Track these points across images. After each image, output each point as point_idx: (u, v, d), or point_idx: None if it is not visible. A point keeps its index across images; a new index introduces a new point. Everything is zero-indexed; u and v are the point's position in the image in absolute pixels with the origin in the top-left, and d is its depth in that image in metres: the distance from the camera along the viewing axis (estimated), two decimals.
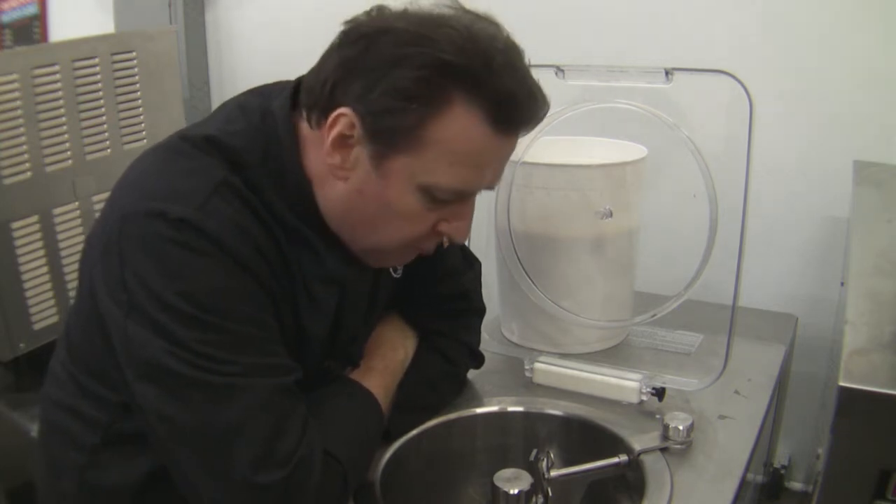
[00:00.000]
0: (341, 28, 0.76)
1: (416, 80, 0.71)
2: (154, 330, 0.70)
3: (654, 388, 1.06)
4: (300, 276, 0.81)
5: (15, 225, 1.24)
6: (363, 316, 0.94)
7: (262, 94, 0.84)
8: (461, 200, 0.81)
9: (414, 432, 0.99)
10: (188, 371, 0.70)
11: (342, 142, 0.76)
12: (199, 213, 0.72)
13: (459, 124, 0.73)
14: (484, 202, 1.18)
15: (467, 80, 0.72)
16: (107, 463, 0.82)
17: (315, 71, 0.78)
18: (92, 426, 0.81)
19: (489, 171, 0.79)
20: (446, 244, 1.02)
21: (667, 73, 1.01)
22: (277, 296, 0.78)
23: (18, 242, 1.24)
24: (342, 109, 0.74)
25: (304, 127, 0.80)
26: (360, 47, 0.73)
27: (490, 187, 0.83)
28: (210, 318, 0.71)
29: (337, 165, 0.77)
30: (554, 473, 0.89)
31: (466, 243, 1.13)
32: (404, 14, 0.74)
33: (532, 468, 0.88)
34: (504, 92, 0.73)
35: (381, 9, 0.76)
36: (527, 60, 0.77)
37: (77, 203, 1.33)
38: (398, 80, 0.71)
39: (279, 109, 0.80)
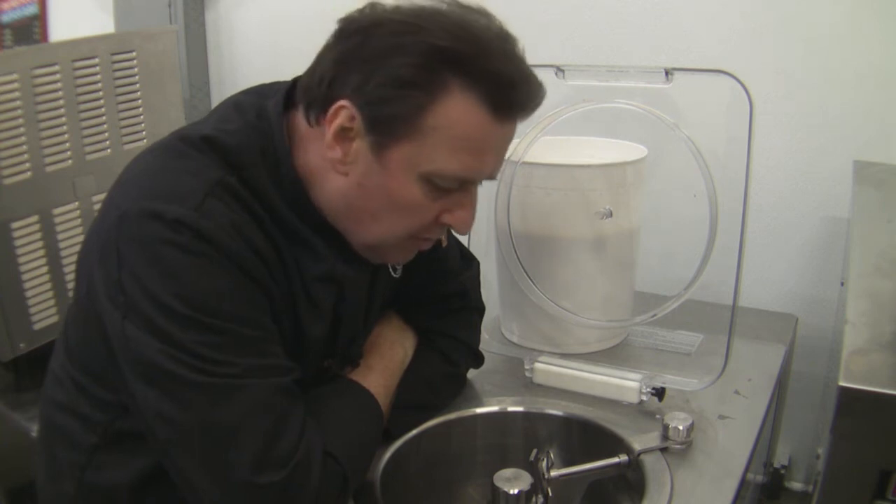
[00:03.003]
0: (336, 25, 0.77)
1: (412, 68, 0.72)
2: (151, 331, 0.70)
3: (654, 388, 1.06)
4: (298, 276, 0.81)
5: (15, 225, 1.24)
6: (362, 316, 0.94)
7: (258, 94, 0.84)
8: (463, 189, 0.80)
9: (414, 432, 0.99)
10: (186, 372, 0.70)
11: (343, 135, 0.76)
12: (196, 214, 0.72)
13: (458, 110, 0.73)
14: (484, 202, 1.18)
15: (463, 65, 0.72)
16: (106, 463, 0.82)
17: (311, 69, 0.79)
18: (91, 426, 0.81)
19: (490, 157, 0.79)
20: (445, 243, 1.02)
21: (667, 73, 1.01)
22: (276, 296, 0.78)
23: (18, 242, 1.24)
24: (342, 102, 0.75)
25: (301, 125, 0.80)
26: (356, 41, 0.74)
27: (492, 176, 0.83)
28: (207, 320, 0.71)
29: (338, 160, 0.77)
30: (554, 473, 0.89)
31: (466, 242, 1.13)
32: (397, 8, 0.75)
33: (532, 468, 0.88)
34: (500, 75, 0.74)
35: (373, 5, 0.77)
36: (521, 47, 0.77)
37: (77, 203, 1.32)
38: (395, 68, 0.72)
39: (273, 108, 0.80)
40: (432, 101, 0.73)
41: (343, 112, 0.75)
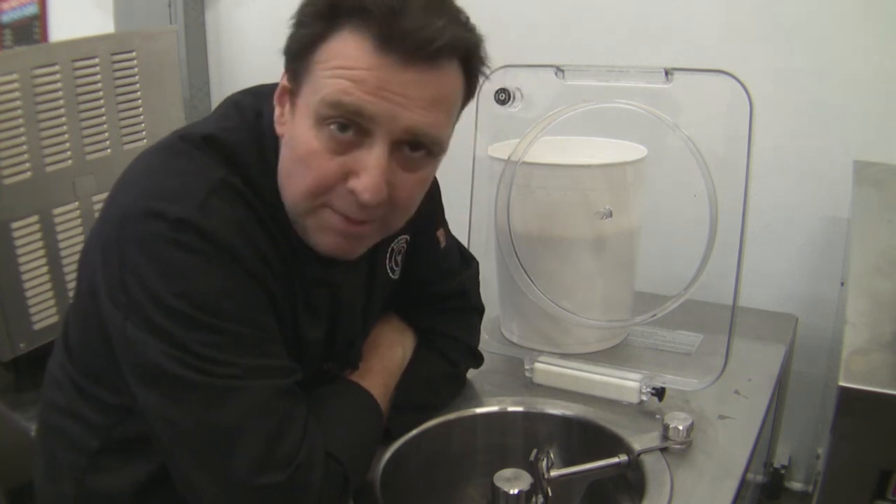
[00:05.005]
0: None
1: (311, 9, 0.75)
2: (154, 332, 0.70)
3: (654, 388, 1.06)
4: (297, 277, 0.81)
5: (15, 225, 1.24)
6: (360, 317, 0.94)
7: (257, 94, 0.84)
8: (365, 146, 0.73)
9: (414, 432, 0.99)
10: (188, 373, 0.70)
11: (283, 96, 0.78)
12: (199, 213, 0.72)
13: (341, 42, 0.73)
14: (484, 202, 1.18)
15: (355, 4, 0.72)
16: (106, 466, 0.82)
17: None
18: (91, 430, 0.81)
19: (379, 99, 0.71)
20: (444, 244, 1.02)
21: (667, 73, 1.01)
22: (277, 296, 0.78)
23: (18, 242, 1.24)
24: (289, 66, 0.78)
25: (278, 131, 0.80)
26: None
27: (409, 132, 0.74)
28: (210, 320, 0.71)
29: (277, 119, 0.79)
30: (554, 473, 0.89)
31: (466, 243, 1.13)
32: None
33: (532, 468, 0.88)
34: (390, 13, 0.70)
35: None
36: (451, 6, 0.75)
37: (77, 203, 1.32)
38: (301, 16, 0.76)
39: (270, 111, 0.81)
40: (323, 37, 0.74)
41: (286, 75, 0.78)
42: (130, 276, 0.71)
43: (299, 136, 0.75)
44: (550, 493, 0.88)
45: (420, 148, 0.76)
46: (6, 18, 2.08)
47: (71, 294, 1.28)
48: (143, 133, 1.42)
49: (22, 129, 1.22)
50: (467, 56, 0.76)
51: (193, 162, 0.77)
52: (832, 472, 0.78)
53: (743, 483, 0.91)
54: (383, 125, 0.72)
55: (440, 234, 1.03)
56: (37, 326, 1.28)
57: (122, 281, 0.71)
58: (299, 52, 0.75)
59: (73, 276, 0.86)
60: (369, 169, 0.73)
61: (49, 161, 1.27)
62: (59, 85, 1.26)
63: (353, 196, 0.74)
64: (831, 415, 0.75)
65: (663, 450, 0.95)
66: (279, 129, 0.79)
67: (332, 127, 0.73)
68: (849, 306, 0.88)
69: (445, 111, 0.76)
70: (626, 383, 1.07)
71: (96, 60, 1.32)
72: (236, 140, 0.79)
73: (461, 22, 0.75)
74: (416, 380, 0.99)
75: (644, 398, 1.06)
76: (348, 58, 0.72)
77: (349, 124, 0.73)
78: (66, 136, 1.29)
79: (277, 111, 0.79)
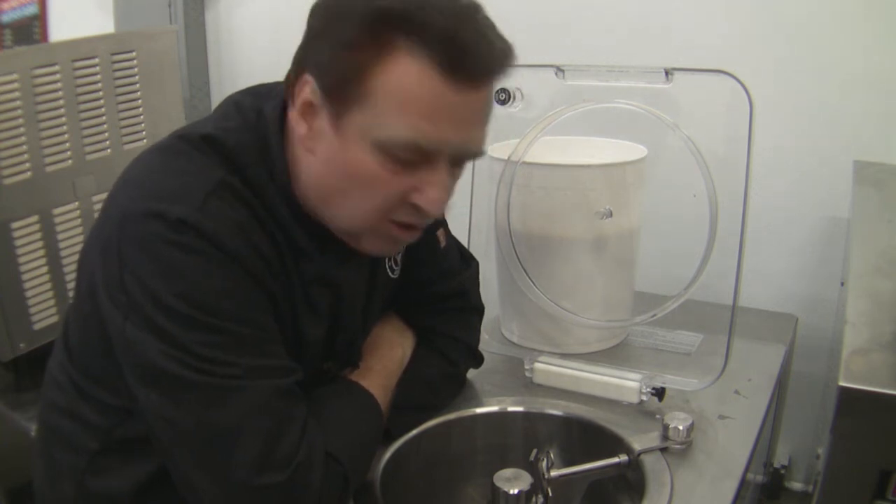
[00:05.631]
0: None
1: (356, 28, 0.71)
2: (153, 332, 0.70)
3: (654, 388, 1.06)
4: (297, 277, 0.81)
5: (15, 225, 1.24)
6: (361, 317, 0.94)
7: (258, 94, 0.84)
8: (429, 165, 0.75)
9: (414, 432, 0.99)
10: (188, 373, 0.70)
11: (308, 110, 0.76)
12: (198, 214, 0.71)
13: (403, 69, 0.71)
14: (484, 202, 1.18)
15: (406, 23, 0.70)
16: (106, 468, 0.82)
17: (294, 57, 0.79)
18: (91, 430, 0.81)
19: (448, 124, 0.74)
20: (444, 243, 1.02)
21: (667, 73, 1.01)
22: (277, 297, 0.78)
23: (18, 242, 1.24)
24: (305, 76, 0.75)
25: (303, 146, 0.80)
26: (317, 16, 0.76)
27: (466, 153, 0.78)
28: (210, 320, 0.71)
29: (305, 135, 0.77)
30: (554, 473, 0.89)
31: (466, 243, 1.13)
32: None
33: (532, 468, 0.88)
34: (446, 32, 0.70)
35: None
36: (482, 12, 0.74)
37: (77, 203, 1.32)
38: (342, 33, 0.72)
39: (272, 111, 0.80)
40: (377, 61, 0.71)
41: (306, 87, 0.75)
42: (130, 276, 0.71)
43: (356, 160, 0.74)
44: (550, 493, 0.89)
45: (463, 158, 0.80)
46: (6, 18, 2.08)
47: (71, 294, 1.28)
48: (143, 133, 1.42)
49: (22, 129, 1.22)
50: (507, 71, 0.78)
51: (193, 162, 0.77)
52: (832, 472, 0.78)
53: (743, 483, 0.91)
54: (451, 148, 0.76)
55: (440, 233, 1.03)
56: (37, 326, 1.28)
57: (121, 281, 0.71)
58: (348, 78, 0.72)
59: (73, 276, 0.87)
60: (436, 186, 0.76)
61: (49, 161, 1.27)
62: (59, 85, 1.26)
63: (416, 209, 0.77)
64: (831, 415, 0.75)
65: (663, 450, 0.95)
66: (308, 145, 0.77)
67: (399, 153, 0.74)
68: (849, 306, 0.88)
69: (489, 121, 0.80)
70: (626, 383, 1.07)
71: (96, 60, 1.32)
72: (236, 140, 0.79)
73: (501, 39, 0.75)
74: (416, 380, 0.99)
75: (644, 398, 1.06)
76: (415, 90, 0.71)
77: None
78: (66, 136, 1.29)
79: (303, 128, 0.77)
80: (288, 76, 0.79)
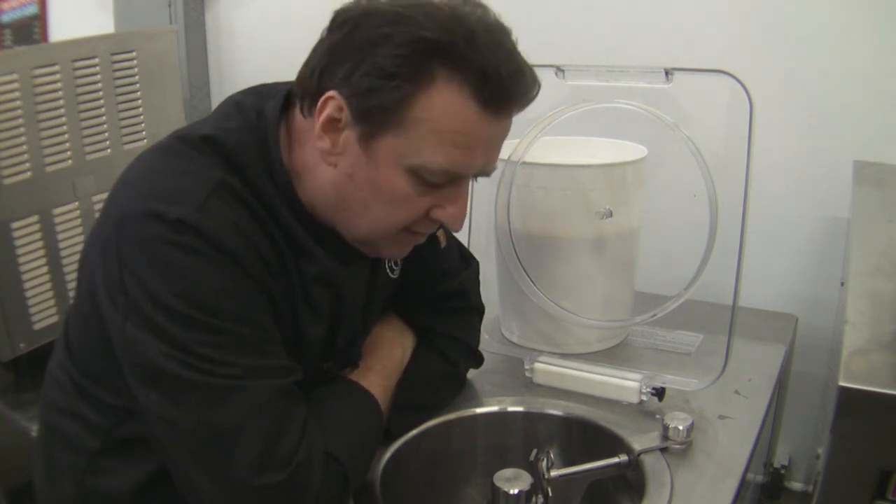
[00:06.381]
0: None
1: (397, 58, 0.71)
2: (153, 332, 0.70)
3: (654, 388, 1.06)
4: (297, 277, 0.81)
5: (15, 225, 1.24)
6: (361, 316, 0.94)
7: (258, 94, 0.84)
8: (453, 184, 0.79)
9: (414, 432, 0.99)
10: (187, 373, 0.70)
11: (331, 125, 0.76)
12: (198, 215, 0.71)
13: (444, 101, 0.72)
14: (484, 202, 1.18)
15: (448, 56, 0.71)
16: (106, 468, 0.82)
17: (306, 61, 0.79)
18: (91, 430, 0.81)
19: (480, 152, 0.77)
20: (444, 243, 1.02)
21: (667, 73, 1.01)
22: (276, 297, 0.78)
23: (18, 242, 1.24)
24: (330, 93, 0.75)
25: (299, 122, 0.80)
26: (345, 31, 0.74)
27: (485, 173, 0.82)
28: (209, 320, 0.71)
29: (327, 150, 0.77)
30: (554, 473, 0.89)
31: (466, 242, 1.13)
32: None
33: (532, 468, 0.88)
34: (488, 67, 0.72)
35: None
36: (514, 39, 0.76)
37: (77, 203, 1.32)
38: (380, 58, 0.72)
39: (272, 108, 0.80)
40: (417, 92, 0.72)
41: (331, 102, 0.75)
42: (130, 276, 0.71)
43: (383, 180, 0.76)
44: (550, 493, 0.89)
45: None
46: (6, 18, 2.08)
47: (71, 294, 1.28)
48: (143, 133, 1.42)
49: (22, 129, 1.22)
50: None
51: (193, 163, 0.77)
52: (832, 472, 0.78)
53: (743, 483, 0.91)
54: (477, 168, 0.80)
55: (440, 233, 1.03)
56: (37, 326, 1.28)
57: (121, 281, 0.71)
58: (387, 106, 0.73)
59: (73, 276, 0.87)
60: (458, 203, 0.80)
61: (49, 161, 1.27)
62: (59, 85, 1.26)
63: (436, 222, 0.82)
64: (831, 415, 0.75)
65: (663, 450, 0.95)
66: (330, 159, 0.77)
67: (429, 177, 0.76)
68: (849, 306, 0.88)
69: None
70: (626, 383, 1.07)
71: (96, 60, 1.32)
72: (236, 140, 0.79)
73: (532, 73, 0.77)
74: (416, 380, 0.99)
75: (644, 398, 1.06)
76: (453, 122, 0.74)
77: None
78: (66, 136, 1.29)
79: (326, 143, 0.77)
80: (300, 79, 0.79)
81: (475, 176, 0.82)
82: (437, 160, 0.75)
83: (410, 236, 0.84)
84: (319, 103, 0.76)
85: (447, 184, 0.78)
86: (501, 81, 0.73)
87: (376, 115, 0.74)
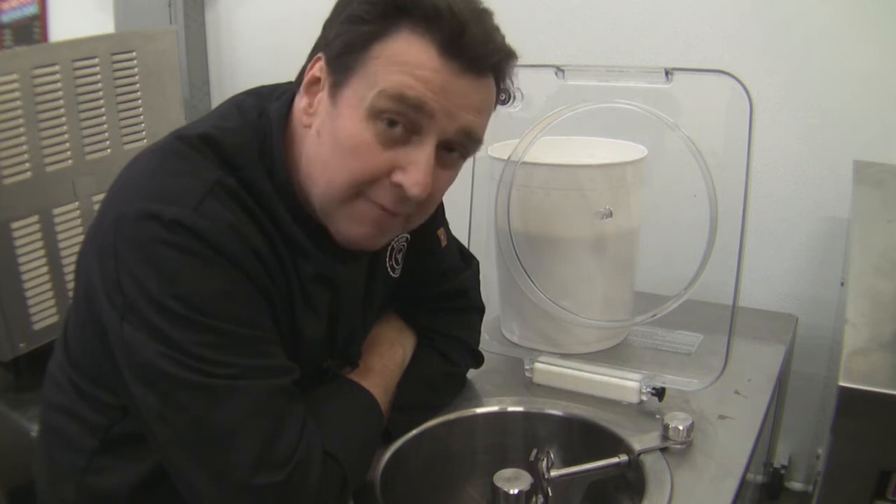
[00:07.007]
0: None
1: (367, 5, 0.75)
2: (150, 333, 0.70)
3: (654, 388, 1.06)
4: (295, 276, 0.81)
5: (15, 225, 1.24)
6: (360, 316, 0.94)
7: (259, 95, 0.84)
8: (414, 144, 0.76)
9: (414, 432, 0.99)
10: (185, 374, 0.70)
11: (312, 85, 0.79)
12: (194, 215, 0.71)
13: (405, 42, 0.74)
14: (484, 202, 1.18)
15: (417, 10, 0.74)
16: (106, 467, 0.82)
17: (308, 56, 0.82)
18: (91, 430, 0.81)
19: (439, 97, 0.74)
20: (444, 243, 1.02)
21: (667, 73, 1.01)
22: (274, 296, 0.78)
23: (18, 242, 1.24)
24: (318, 55, 0.79)
25: (300, 121, 0.80)
26: (337, 6, 0.79)
27: (453, 139, 0.77)
28: (206, 320, 0.71)
29: (303, 108, 0.80)
30: (554, 473, 0.89)
31: (466, 242, 1.13)
32: None
33: (532, 468, 0.88)
34: (453, 21, 0.73)
35: None
36: (489, 11, 0.78)
37: (77, 203, 1.33)
38: (353, 10, 0.76)
39: (275, 111, 0.81)
40: (382, 35, 0.75)
41: (317, 64, 0.79)
42: (126, 277, 0.71)
43: (345, 127, 0.76)
44: (550, 493, 0.88)
45: (455, 150, 0.80)
46: (6, 18, 2.08)
47: (71, 294, 1.28)
48: (143, 133, 1.42)
49: (22, 129, 1.22)
50: (506, 73, 0.81)
51: (189, 163, 0.76)
52: (832, 472, 0.78)
53: (743, 483, 0.91)
54: (439, 123, 0.76)
55: (441, 233, 1.03)
56: (37, 326, 1.28)
57: (118, 282, 0.71)
58: (353, 46, 0.75)
59: (73, 276, 0.87)
60: (420, 165, 0.76)
61: (49, 161, 1.27)
62: (59, 85, 1.27)
63: (397, 189, 0.77)
64: (831, 415, 0.75)
65: (663, 450, 0.95)
66: (306, 120, 0.80)
67: (383, 122, 0.75)
68: (849, 306, 0.88)
69: (486, 117, 0.81)
70: (626, 383, 1.07)
71: (96, 60, 1.32)
72: (234, 140, 0.79)
73: (504, 41, 0.79)
74: (416, 380, 0.99)
75: (644, 398, 1.06)
76: (413, 58, 0.74)
77: (400, 121, 0.75)
78: (66, 136, 1.29)
79: (304, 101, 0.80)
80: (302, 71, 0.81)
81: (446, 142, 0.78)
82: (390, 83, 0.74)
83: (368, 207, 0.79)
84: (308, 67, 0.80)
85: (409, 141, 0.76)
86: (464, 33, 0.74)
87: (343, 58, 0.76)
